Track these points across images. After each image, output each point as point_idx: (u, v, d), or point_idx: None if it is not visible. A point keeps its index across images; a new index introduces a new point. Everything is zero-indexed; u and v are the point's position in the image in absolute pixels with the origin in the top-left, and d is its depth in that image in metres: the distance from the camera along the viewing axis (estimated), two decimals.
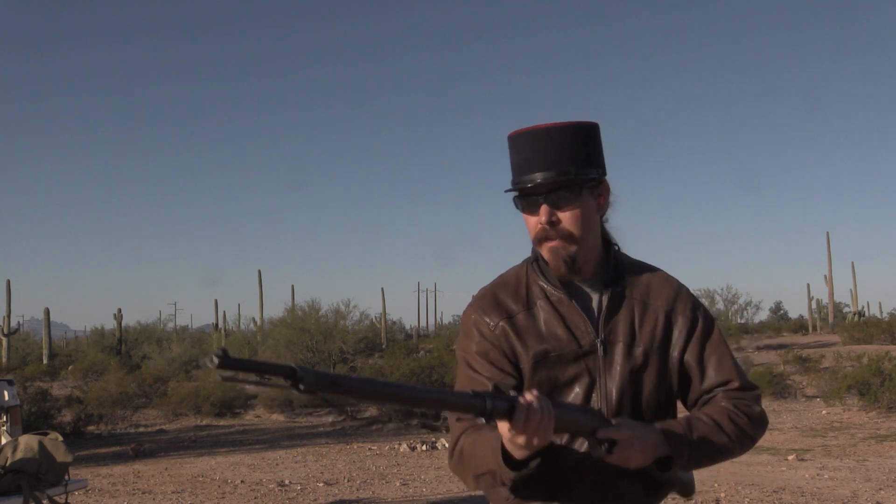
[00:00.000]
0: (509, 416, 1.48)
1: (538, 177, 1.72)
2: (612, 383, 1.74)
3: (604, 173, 1.79)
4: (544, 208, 1.73)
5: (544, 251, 1.77)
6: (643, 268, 1.87)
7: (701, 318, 1.82)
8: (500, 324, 1.77)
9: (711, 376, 1.79)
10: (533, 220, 1.76)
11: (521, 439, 1.50)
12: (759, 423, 1.79)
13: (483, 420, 1.47)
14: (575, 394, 1.74)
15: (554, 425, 1.52)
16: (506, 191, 1.80)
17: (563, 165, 1.72)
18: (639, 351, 1.75)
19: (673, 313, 1.80)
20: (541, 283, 1.80)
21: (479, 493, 1.82)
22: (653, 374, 1.76)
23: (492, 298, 1.82)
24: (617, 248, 1.85)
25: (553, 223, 1.73)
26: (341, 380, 1.33)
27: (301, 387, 1.28)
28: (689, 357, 1.79)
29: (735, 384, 1.79)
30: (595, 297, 1.80)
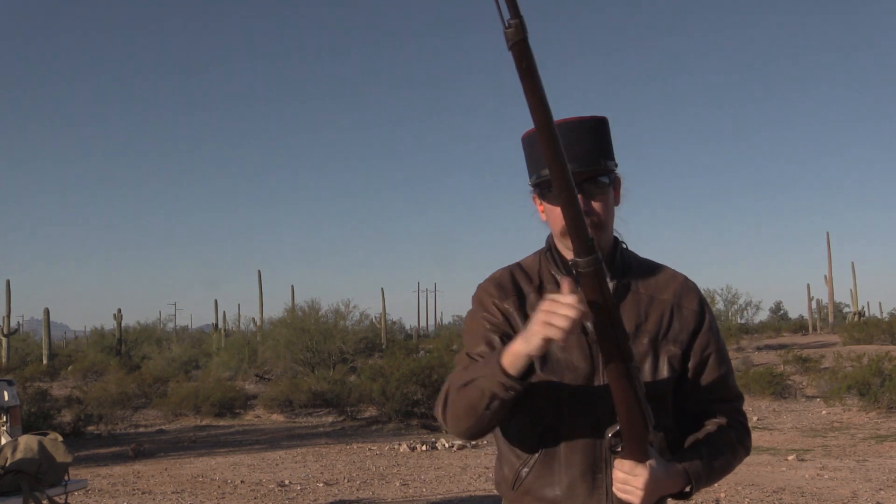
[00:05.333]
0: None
1: (571, 168, 1.73)
2: None
3: (617, 165, 1.85)
4: (579, 198, 1.74)
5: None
6: (650, 265, 1.91)
7: (707, 316, 1.87)
8: (506, 305, 1.82)
9: (714, 387, 1.84)
10: (559, 210, 1.77)
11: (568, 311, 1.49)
12: (750, 432, 1.90)
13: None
14: (576, 376, 1.75)
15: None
16: (532, 183, 1.83)
17: (592, 157, 1.78)
18: (644, 341, 1.78)
19: (678, 307, 1.84)
20: (552, 271, 1.85)
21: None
22: (654, 364, 1.78)
23: (508, 278, 1.86)
24: (625, 245, 1.89)
25: (588, 213, 1.76)
26: None
27: None
28: (693, 356, 1.83)
29: (732, 395, 1.88)
30: None
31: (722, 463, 1.79)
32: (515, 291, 1.83)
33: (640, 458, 1.62)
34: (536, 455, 1.77)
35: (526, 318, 1.79)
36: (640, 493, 1.62)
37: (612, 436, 1.65)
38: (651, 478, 1.62)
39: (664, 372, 1.78)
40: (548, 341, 1.52)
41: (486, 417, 1.66)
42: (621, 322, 1.56)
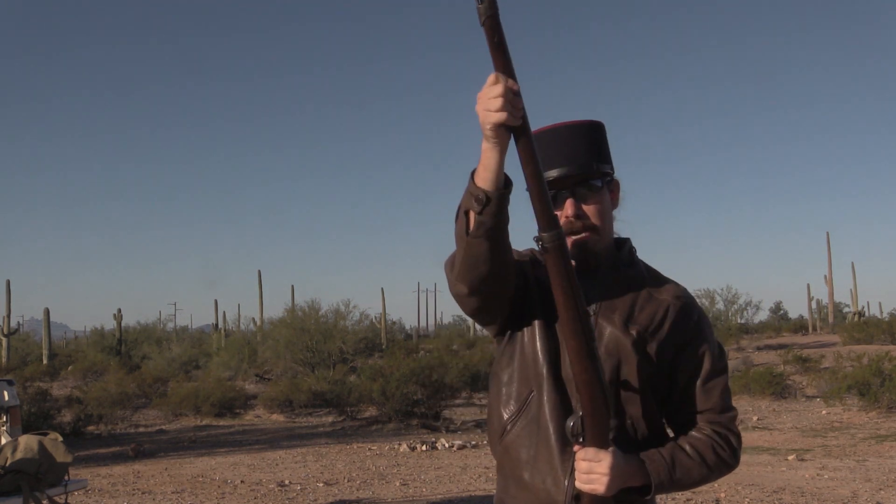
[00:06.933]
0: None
1: (563, 171, 1.78)
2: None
3: (613, 169, 1.87)
4: (571, 202, 1.79)
5: (568, 244, 1.80)
6: (655, 272, 1.92)
7: (704, 329, 1.85)
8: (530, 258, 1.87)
9: (702, 400, 1.82)
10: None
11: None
12: (738, 449, 1.83)
13: None
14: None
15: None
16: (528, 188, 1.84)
17: (585, 161, 1.80)
18: (632, 331, 1.78)
19: (674, 311, 1.83)
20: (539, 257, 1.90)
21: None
22: (639, 356, 1.77)
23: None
24: (634, 249, 1.92)
25: (579, 216, 1.78)
26: None
27: None
28: (682, 364, 1.81)
29: (722, 409, 1.83)
30: (599, 278, 1.83)
31: (690, 470, 1.74)
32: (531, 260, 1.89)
33: (602, 445, 1.64)
34: (521, 415, 1.80)
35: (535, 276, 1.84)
36: (605, 479, 1.62)
37: (574, 424, 1.66)
38: (615, 462, 1.63)
39: (644, 363, 1.78)
40: (498, 127, 1.49)
41: (474, 247, 1.61)
42: (583, 300, 1.59)
